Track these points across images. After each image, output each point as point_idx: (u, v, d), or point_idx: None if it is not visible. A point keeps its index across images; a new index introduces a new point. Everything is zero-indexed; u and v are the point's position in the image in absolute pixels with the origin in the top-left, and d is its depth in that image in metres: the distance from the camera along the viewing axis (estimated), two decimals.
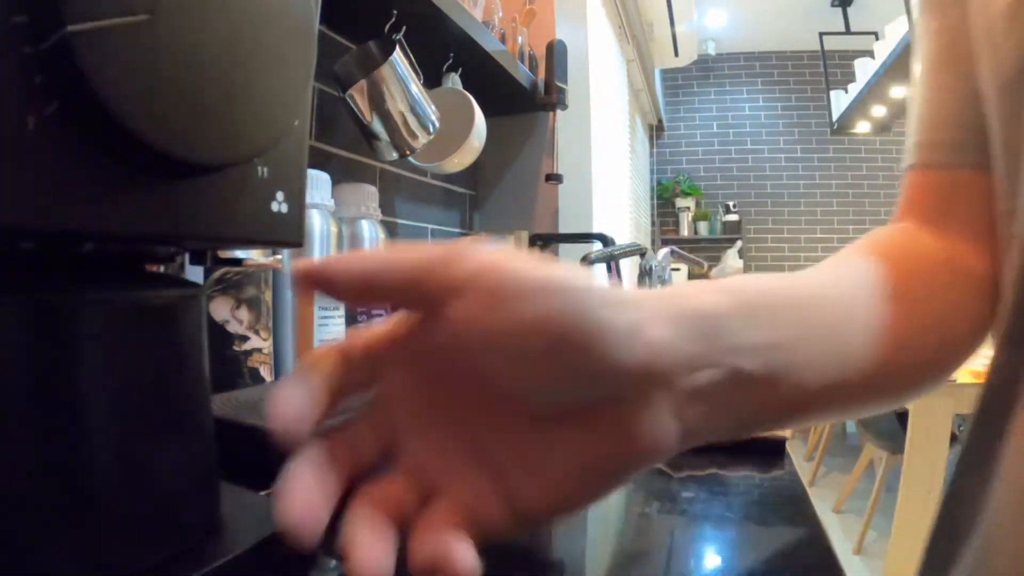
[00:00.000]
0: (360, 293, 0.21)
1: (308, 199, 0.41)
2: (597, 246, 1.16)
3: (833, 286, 0.28)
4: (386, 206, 1.05)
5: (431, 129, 0.85)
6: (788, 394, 0.23)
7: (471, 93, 1.02)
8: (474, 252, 0.20)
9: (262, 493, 0.26)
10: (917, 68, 0.35)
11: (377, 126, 0.80)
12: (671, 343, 0.20)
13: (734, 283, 0.24)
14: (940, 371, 0.30)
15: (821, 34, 3.58)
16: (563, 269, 0.20)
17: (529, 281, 0.19)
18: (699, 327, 0.21)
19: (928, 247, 0.32)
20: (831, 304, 0.26)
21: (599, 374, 0.19)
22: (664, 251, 1.43)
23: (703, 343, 0.21)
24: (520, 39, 1.26)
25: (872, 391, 0.27)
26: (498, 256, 0.20)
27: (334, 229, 0.65)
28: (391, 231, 1.07)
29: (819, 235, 4.50)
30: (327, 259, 0.21)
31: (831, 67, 3.75)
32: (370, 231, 0.74)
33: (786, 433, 0.56)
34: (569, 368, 0.19)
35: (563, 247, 1.36)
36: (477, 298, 0.19)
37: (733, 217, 4.55)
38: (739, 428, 0.23)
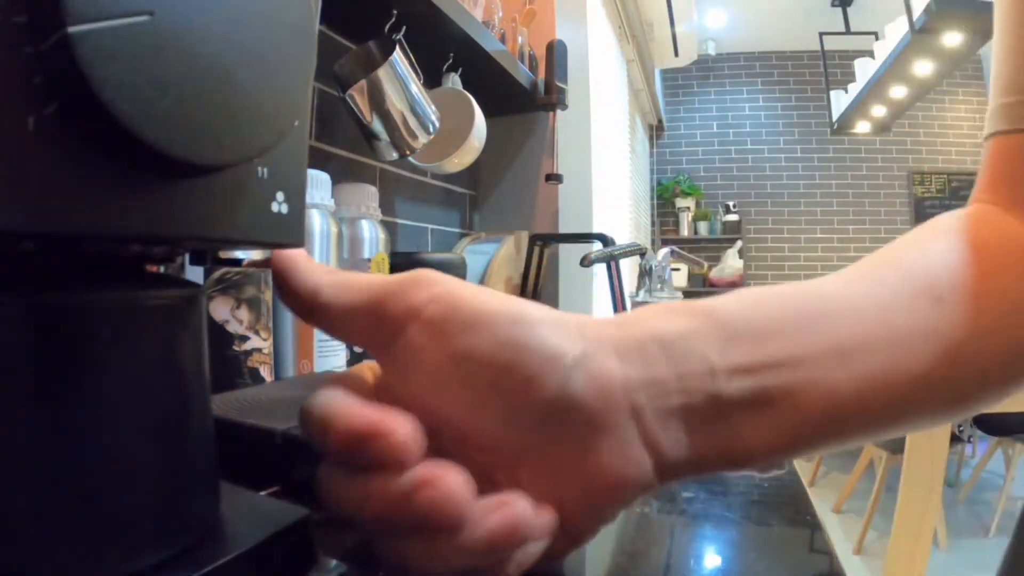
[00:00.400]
0: (308, 305, 0.21)
1: (308, 199, 0.41)
2: (597, 246, 1.16)
3: (860, 292, 0.24)
4: (386, 206, 1.05)
5: (431, 129, 0.85)
6: (792, 420, 0.21)
7: (471, 93, 1.02)
8: (435, 279, 0.20)
9: (262, 493, 0.26)
10: (997, 27, 0.30)
11: (377, 126, 0.79)
12: (619, 372, 0.19)
13: (710, 303, 0.22)
14: (1000, 386, 0.24)
15: (821, 34, 3.58)
16: (516, 302, 0.20)
17: (480, 311, 0.19)
18: (657, 353, 0.20)
19: (1006, 230, 0.27)
20: (852, 313, 0.22)
21: (547, 406, 0.19)
22: (664, 251, 1.43)
23: (664, 369, 0.20)
24: (520, 39, 1.26)
25: (906, 411, 0.23)
26: (456, 285, 0.20)
27: (334, 229, 0.65)
28: (391, 231, 1.07)
29: (819, 235, 4.50)
30: (300, 255, 0.21)
31: (831, 67, 3.75)
32: (370, 231, 0.74)
33: None
34: (516, 399, 0.19)
35: (563, 247, 1.36)
36: (433, 324, 0.19)
37: (733, 217, 4.55)
38: (737, 458, 0.21)
